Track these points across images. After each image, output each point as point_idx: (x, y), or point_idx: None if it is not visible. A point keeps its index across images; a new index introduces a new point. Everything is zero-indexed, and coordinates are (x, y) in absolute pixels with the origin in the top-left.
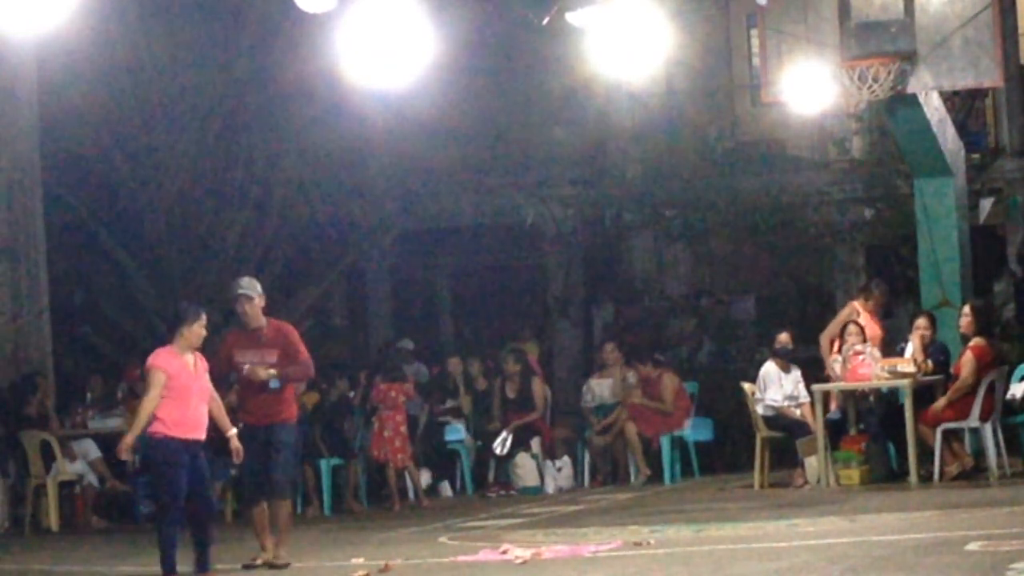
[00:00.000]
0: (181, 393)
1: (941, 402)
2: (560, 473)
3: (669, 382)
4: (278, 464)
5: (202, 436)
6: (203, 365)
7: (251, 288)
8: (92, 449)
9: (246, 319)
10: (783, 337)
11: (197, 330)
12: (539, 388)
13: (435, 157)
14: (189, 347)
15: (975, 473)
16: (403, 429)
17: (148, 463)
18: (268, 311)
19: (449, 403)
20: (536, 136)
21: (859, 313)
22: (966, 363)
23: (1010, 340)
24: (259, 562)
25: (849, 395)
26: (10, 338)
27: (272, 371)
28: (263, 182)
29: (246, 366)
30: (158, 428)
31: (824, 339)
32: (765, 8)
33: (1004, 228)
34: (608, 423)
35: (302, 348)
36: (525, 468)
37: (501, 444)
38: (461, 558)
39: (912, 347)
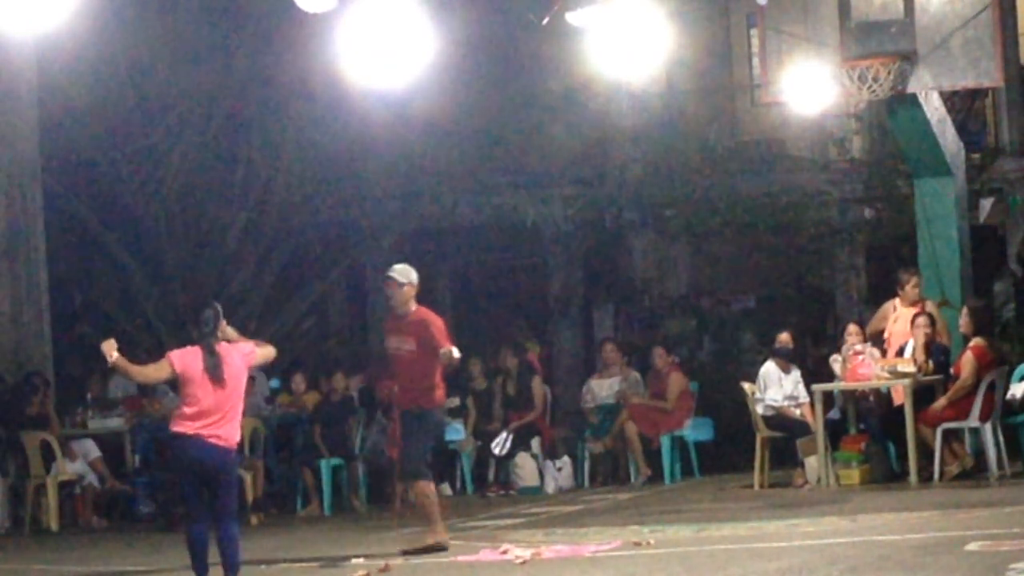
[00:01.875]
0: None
1: (941, 402)
2: (560, 473)
3: (676, 380)
4: (406, 450)
5: None
6: None
7: (400, 274)
8: (92, 449)
9: (391, 303)
10: (783, 337)
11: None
12: (539, 387)
13: (435, 157)
14: None
15: (975, 473)
16: None
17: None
18: (267, 311)
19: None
20: (536, 136)
21: (895, 308)
22: (966, 363)
23: (1010, 340)
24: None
25: (849, 395)
26: (10, 338)
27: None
28: (263, 182)
29: (398, 350)
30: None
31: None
32: (765, 8)
33: (1004, 228)
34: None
35: (442, 339)
36: (525, 468)
37: (500, 445)
38: (461, 558)
39: (912, 346)
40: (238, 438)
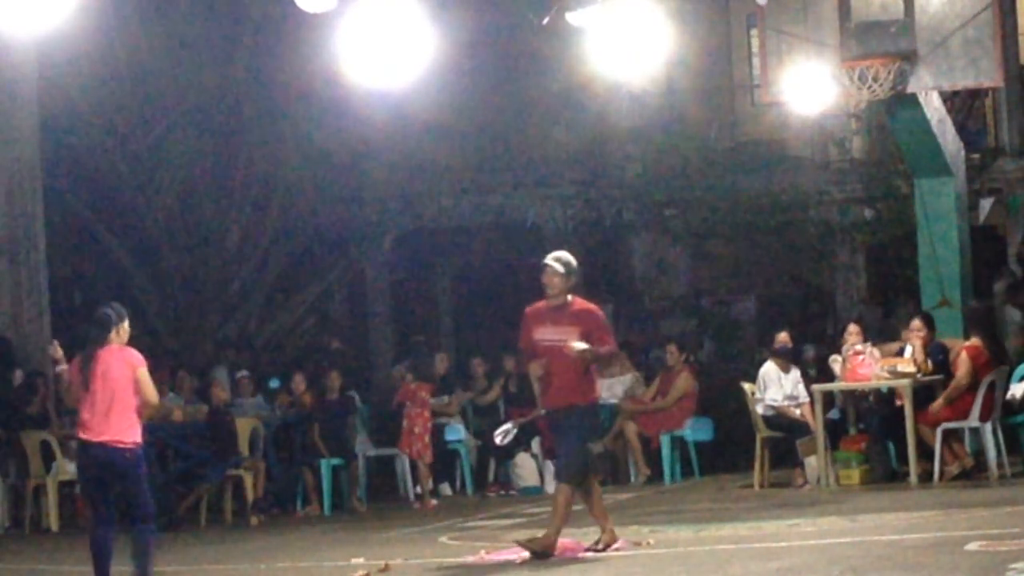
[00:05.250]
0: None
1: (939, 402)
2: None
3: (684, 380)
4: (560, 447)
5: None
6: None
7: (560, 262)
8: None
9: (549, 291)
10: (783, 337)
11: (127, 328)
12: None
13: (435, 157)
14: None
15: (975, 473)
16: (430, 426)
17: (138, 475)
18: (267, 311)
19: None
20: (536, 136)
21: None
22: (961, 364)
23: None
24: (600, 546)
25: (849, 395)
26: (10, 338)
27: (582, 346)
28: (263, 182)
29: (555, 342)
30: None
31: None
32: (765, 8)
33: (1004, 228)
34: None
35: (607, 335)
36: (525, 468)
37: (503, 434)
38: (461, 558)
39: (912, 347)
40: (135, 437)
